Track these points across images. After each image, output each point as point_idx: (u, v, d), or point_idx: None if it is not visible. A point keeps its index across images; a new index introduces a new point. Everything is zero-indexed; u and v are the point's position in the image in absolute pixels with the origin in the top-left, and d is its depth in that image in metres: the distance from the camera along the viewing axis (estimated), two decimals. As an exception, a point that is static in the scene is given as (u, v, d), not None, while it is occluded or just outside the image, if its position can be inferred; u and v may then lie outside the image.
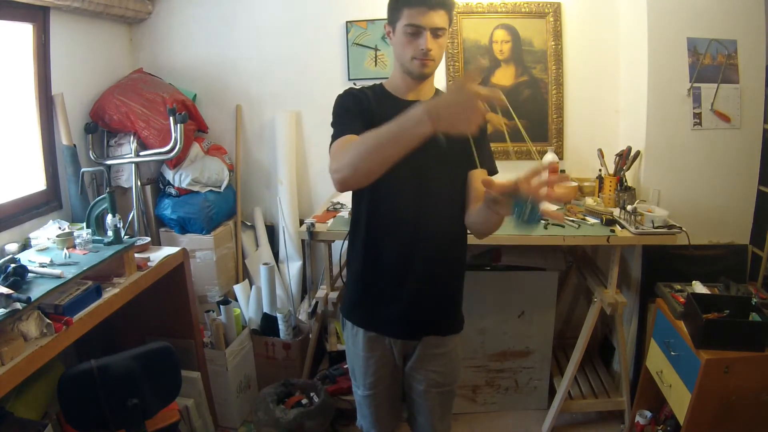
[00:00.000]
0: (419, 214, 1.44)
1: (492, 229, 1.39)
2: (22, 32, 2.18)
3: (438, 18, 1.33)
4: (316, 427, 2.23)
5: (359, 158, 1.14)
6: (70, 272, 1.64)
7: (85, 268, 1.68)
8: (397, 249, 1.46)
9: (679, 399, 1.97)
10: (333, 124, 1.41)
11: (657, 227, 2.20)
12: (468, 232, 1.54)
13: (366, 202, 1.49)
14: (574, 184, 1.01)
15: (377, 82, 1.52)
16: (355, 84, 2.74)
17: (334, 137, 1.37)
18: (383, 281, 1.50)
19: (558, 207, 2.55)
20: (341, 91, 1.48)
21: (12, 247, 1.94)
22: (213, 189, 2.75)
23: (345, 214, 2.42)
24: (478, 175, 1.47)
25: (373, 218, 1.47)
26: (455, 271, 1.57)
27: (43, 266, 1.66)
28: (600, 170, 2.60)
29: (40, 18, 2.22)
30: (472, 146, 1.40)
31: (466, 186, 1.50)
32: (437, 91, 1.51)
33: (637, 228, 2.21)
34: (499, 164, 1.58)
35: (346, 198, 2.46)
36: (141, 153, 2.55)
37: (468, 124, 1.01)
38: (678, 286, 2.21)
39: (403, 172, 1.41)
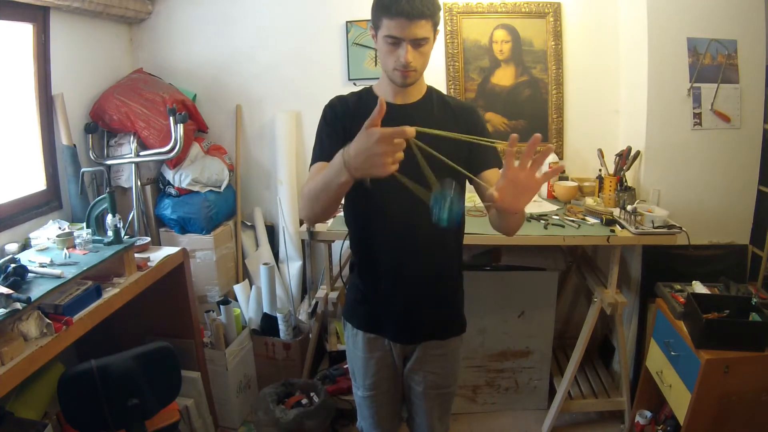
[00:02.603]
0: (409, 219, 1.42)
1: (515, 228, 1.36)
2: (22, 32, 2.18)
3: (419, 29, 1.28)
4: (316, 427, 2.23)
5: (310, 203, 1.26)
6: (70, 272, 1.64)
7: (85, 268, 1.68)
8: (390, 254, 1.46)
9: (679, 399, 1.97)
10: (314, 146, 1.45)
11: (657, 227, 2.20)
12: (464, 232, 1.56)
13: (357, 209, 1.49)
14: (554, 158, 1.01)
15: (367, 85, 1.51)
16: (355, 84, 2.78)
17: (311, 164, 1.43)
18: (379, 286, 1.50)
19: (558, 207, 2.55)
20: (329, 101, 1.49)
21: (12, 247, 1.94)
22: (213, 189, 2.75)
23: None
24: (490, 175, 1.46)
25: (366, 223, 1.47)
26: (451, 275, 1.56)
27: (43, 266, 1.66)
28: (600, 170, 2.61)
29: (40, 18, 2.22)
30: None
31: (478, 187, 1.49)
32: (429, 89, 1.49)
33: (637, 228, 2.21)
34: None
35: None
36: (141, 153, 2.55)
37: (381, 168, 1.02)
38: (678, 286, 2.21)
39: (392, 177, 1.42)
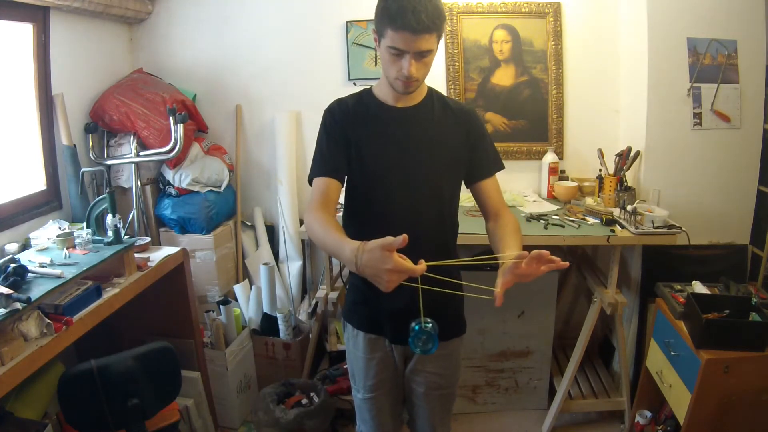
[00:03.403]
0: (409, 223, 1.42)
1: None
2: (22, 32, 2.18)
3: (424, 43, 1.27)
4: (316, 427, 2.23)
5: (317, 244, 1.31)
6: (70, 272, 1.64)
7: (85, 268, 1.68)
8: None
9: (679, 399, 1.97)
10: (314, 154, 1.46)
11: (657, 227, 2.20)
12: (458, 231, 1.60)
13: (357, 213, 1.49)
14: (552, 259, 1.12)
15: (367, 86, 1.51)
16: (355, 84, 2.79)
17: (310, 174, 1.44)
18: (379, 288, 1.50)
19: (558, 207, 2.56)
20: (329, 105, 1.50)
21: (12, 247, 1.94)
22: (213, 189, 2.75)
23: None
24: (488, 184, 1.49)
25: (366, 227, 1.47)
26: (451, 277, 1.55)
27: (43, 266, 1.66)
28: (600, 170, 2.61)
29: (40, 18, 2.22)
30: None
31: (477, 195, 1.53)
32: (429, 91, 1.49)
33: (637, 228, 2.21)
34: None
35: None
36: (141, 153, 2.55)
37: (383, 286, 1.09)
38: (678, 286, 2.21)
39: (393, 181, 1.43)
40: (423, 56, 1.31)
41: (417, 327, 1.27)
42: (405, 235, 1.03)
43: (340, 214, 1.59)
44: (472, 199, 2.44)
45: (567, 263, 1.17)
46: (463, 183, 1.55)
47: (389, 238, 1.05)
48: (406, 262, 1.06)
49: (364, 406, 1.62)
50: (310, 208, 1.36)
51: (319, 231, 1.28)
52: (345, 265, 1.16)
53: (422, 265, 1.07)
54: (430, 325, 1.27)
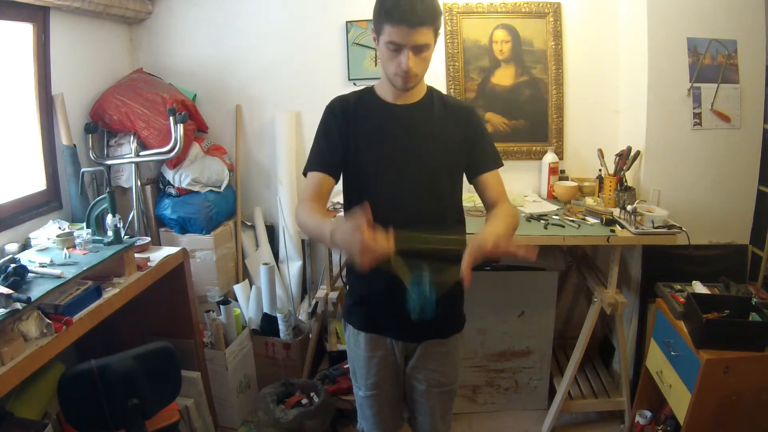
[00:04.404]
0: (410, 223, 1.43)
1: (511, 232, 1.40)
2: (22, 32, 2.18)
3: (420, 36, 1.29)
4: (316, 427, 2.24)
5: (304, 232, 1.41)
6: (70, 272, 1.64)
7: (85, 268, 1.68)
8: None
9: (679, 399, 1.97)
10: (311, 147, 1.49)
11: (657, 227, 2.20)
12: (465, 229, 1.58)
13: (356, 205, 1.49)
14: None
15: (368, 85, 1.52)
16: (355, 84, 2.79)
17: (306, 168, 1.48)
18: (380, 286, 1.50)
19: (558, 207, 2.56)
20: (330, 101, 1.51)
21: (12, 247, 1.94)
22: (213, 189, 2.75)
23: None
24: (488, 177, 1.49)
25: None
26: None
27: (43, 266, 1.66)
28: (600, 170, 2.61)
29: (40, 18, 2.22)
30: None
31: (478, 188, 1.52)
32: (429, 89, 1.50)
33: (637, 228, 2.20)
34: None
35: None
36: (141, 153, 2.55)
37: (360, 261, 1.09)
38: (678, 286, 2.21)
39: (392, 177, 1.43)
40: (421, 51, 1.32)
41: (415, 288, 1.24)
42: (368, 210, 1.09)
43: (340, 214, 1.60)
44: (471, 199, 2.47)
45: (535, 248, 1.18)
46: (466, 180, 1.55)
47: (357, 215, 1.08)
48: (377, 242, 1.08)
49: (365, 403, 1.63)
50: (302, 198, 1.42)
51: (304, 216, 1.34)
52: (330, 247, 1.21)
53: (392, 249, 1.10)
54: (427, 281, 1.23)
